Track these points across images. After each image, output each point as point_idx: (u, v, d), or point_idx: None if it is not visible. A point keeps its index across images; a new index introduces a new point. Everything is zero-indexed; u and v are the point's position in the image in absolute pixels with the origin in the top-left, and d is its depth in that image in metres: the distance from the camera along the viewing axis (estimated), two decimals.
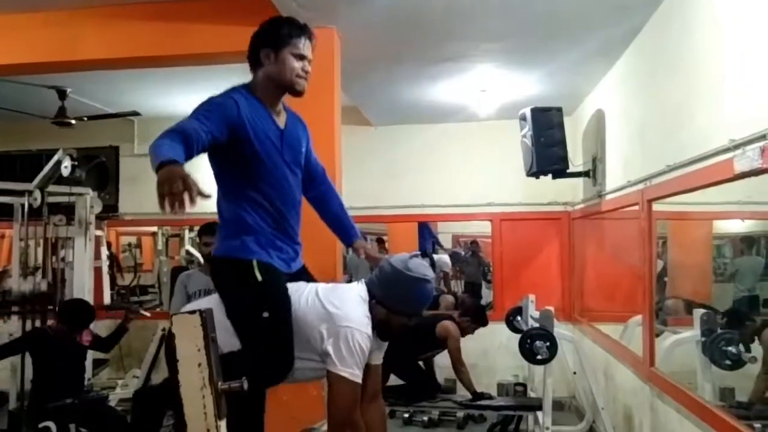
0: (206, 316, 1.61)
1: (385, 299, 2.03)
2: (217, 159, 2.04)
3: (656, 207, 3.40)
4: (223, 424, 1.58)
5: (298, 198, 2.21)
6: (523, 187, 5.80)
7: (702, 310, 3.78)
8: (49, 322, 4.38)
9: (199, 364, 1.59)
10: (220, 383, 1.59)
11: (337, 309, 1.96)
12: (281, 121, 2.15)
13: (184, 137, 1.74)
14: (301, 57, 2.06)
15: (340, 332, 1.90)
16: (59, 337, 3.95)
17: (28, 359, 4.11)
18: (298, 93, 2.09)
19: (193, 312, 1.61)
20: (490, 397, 4.76)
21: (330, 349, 1.90)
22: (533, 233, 6.07)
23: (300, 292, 2.04)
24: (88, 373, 4.50)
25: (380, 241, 8.18)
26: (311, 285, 2.10)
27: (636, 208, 3.61)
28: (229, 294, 2.02)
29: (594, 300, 5.37)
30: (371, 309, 2.02)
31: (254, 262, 2.01)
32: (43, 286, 4.57)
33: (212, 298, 2.05)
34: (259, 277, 2.00)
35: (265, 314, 1.95)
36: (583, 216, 5.41)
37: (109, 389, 4.89)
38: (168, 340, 2.06)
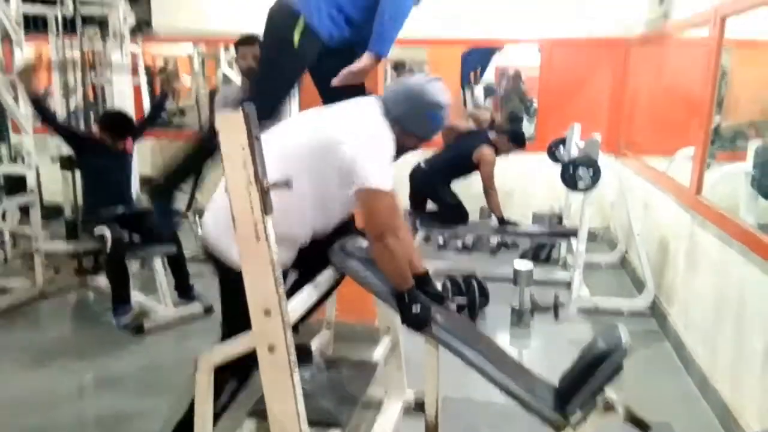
0: (250, 114, 1.55)
1: (401, 118, 1.99)
2: None
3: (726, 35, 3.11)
4: (269, 219, 1.59)
5: None
6: (578, 10, 5.37)
7: (757, 143, 3.65)
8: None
9: (244, 163, 1.56)
10: (265, 180, 1.58)
11: (354, 124, 1.93)
12: None
13: None
14: None
15: (362, 145, 1.87)
16: (103, 143, 4.01)
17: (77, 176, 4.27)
18: None
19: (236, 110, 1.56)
20: (516, 224, 4.83)
21: (356, 164, 1.85)
22: (585, 61, 5.70)
23: (308, 121, 2.01)
24: (136, 187, 4.67)
25: (400, 66, 7.79)
26: (317, 115, 2.04)
27: (705, 29, 3.31)
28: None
29: (642, 133, 5.19)
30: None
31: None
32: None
33: None
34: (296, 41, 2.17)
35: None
36: (642, 42, 5.04)
37: None
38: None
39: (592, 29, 5.48)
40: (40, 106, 3.98)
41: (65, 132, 4.12)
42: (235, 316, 1.95)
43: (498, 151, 4.76)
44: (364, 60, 2.19)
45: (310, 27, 2.18)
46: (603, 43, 5.55)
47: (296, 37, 2.17)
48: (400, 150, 2.03)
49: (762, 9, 2.79)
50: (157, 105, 4.51)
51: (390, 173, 1.91)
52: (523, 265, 3.90)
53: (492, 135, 4.83)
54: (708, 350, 3.05)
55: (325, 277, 2.10)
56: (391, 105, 2.01)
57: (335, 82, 2.22)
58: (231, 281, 1.94)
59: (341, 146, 1.87)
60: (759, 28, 3.61)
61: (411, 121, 2.01)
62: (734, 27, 3.13)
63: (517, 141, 4.80)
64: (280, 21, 2.24)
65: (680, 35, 4.06)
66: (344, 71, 2.21)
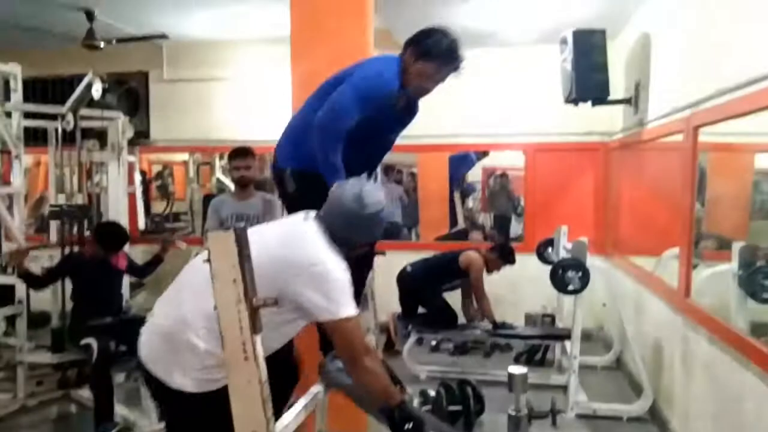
0: (240, 234, 1.59)
1: (346, 237, 1.95)
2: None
3: (700, 137, 3.25)
4: (258, 338, 1.59)
5: None
6: (558, 117, 5.62)
7: (741, 243, 3.70)
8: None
9: (234, 280, 1.58)
10: (254, 299, 1.59)
11: (303, 254, 1.85)
12: None
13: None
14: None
15: (318, 276, 1.82)
16: (95, 260, 4.03)
17: (68, 281, 4.24)
18: None
19: (227, 229, 1.60)
20: (511, 327, 4.81)
21: (317, 297, 1.81)
22: (568, 164, 5.92)
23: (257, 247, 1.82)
24: (126, 296, 4.63)
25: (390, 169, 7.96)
26: (261, 241, 1.84)
27: (679, 136, 3.46)
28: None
29: (628, 233, 5.28)
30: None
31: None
32: (80, 200, 4.64)
33: None
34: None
35: None
36: (621, 147, 5.25)
37: (147, 311, 5.03)
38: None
39: (572, 135, 5.72)
40: (31, 280, 3.98)
41: (55, 277, 4.12)
42: None
43: (489, 269, 4.83)
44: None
45: (296, 172, 2.46)
46: (583, 148, 5.78)
47: (290, 188, 2.49)
48: (355, 260, 2.02)
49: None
50: (150, 266, 4.44)
51: (351, 293, 1.87)
52: (518, 370, 3.81)
53: (483, 253, 4.90)
54: None
55: (313, 395, 2.06)
56: (336, 229, 1.93)
57: None
58: (170, 404, 1.94)
59: (301, 285, 1.81)
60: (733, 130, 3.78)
61: (359, 235, 2.00)
62: (708, 130, 3.27)
63: (507, 258, 4.88)
64: (277, 182, 2.60)
65: (657, 141, 4.23)
66: None
